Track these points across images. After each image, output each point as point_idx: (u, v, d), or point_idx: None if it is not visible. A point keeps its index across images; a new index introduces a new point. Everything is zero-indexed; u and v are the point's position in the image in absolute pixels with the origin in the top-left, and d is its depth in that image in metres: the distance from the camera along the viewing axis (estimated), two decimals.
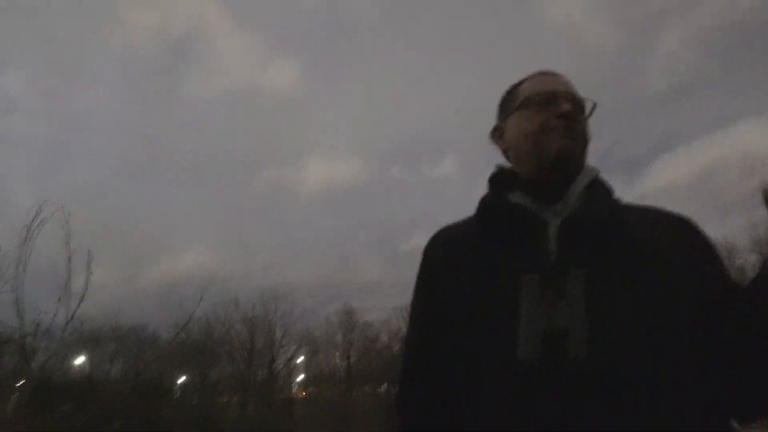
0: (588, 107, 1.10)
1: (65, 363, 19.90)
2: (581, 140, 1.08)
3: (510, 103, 1.17)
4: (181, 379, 26.99)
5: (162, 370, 24.29)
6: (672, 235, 0.98)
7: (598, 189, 1.05)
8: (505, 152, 1.18)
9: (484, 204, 1.07)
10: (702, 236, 0.99)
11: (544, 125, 1.06)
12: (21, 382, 11.51)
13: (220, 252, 50.04)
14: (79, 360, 22.37)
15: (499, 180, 1.12)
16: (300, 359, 31.98)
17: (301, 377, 33.01)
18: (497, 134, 1.20)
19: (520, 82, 1.18)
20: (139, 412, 15.88)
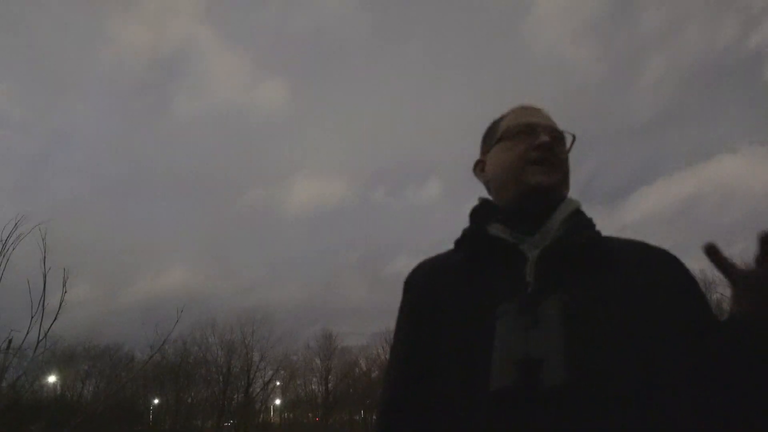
0: (568, 140, 1.12)
1: (36, 382, 19.44)
2: (560, 172, 1.08)
3: (491, 136, 1.19)
4: (155, 402, 26.43)
5: (136, 391, 23.80)
6: (654, 267, 0.97)
7: (579, 220, 1.06)
8: (488, 185, 1.19)
9: (465, 236, 1.08)
10: (685, 270, 0.99)
11: (523, 157, 1.06)
12: None
13: (202, 271, 49.57)
14: (51, 379, 21.86)
15: (479, 212, 1.13)
16: (277, 383, 31.52)
17: (278, 402, 32.50)
18: (479, 168, 1.21)
19: (502, 117, 1.20)
20: None
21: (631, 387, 0.83)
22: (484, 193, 1.20)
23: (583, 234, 1.01)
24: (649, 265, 0.97)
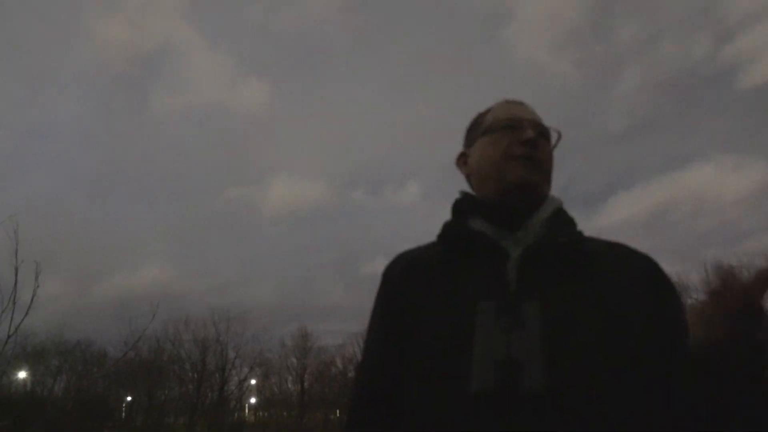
0: (553, 137, 1.11)
1: (4, 378, 19.07)
2: (543, 168, 1.06)
3: (476, 129, 1.17)
4: (128, 398, 26.11)
5: (108, 388, 23.47)
6: (634, 272, 0.97)
7: (561, 219, 1.05)
8: (469, 178, 1.17)
9: (446, 229, 1.07)
10: (664, 277, 0.99)
11: (507, 151, 1.05)
12: None
13: (177, 269, 49.01)
14: (21, 375, 21.47)
15: (461, 206, 1.10)
16: (252, 382, 31.29)
17: (252, 400, 32.30)
18: (462, 160, 1.19)
19: (487, 111, 1.18)
20: (83, 431, 15.33)
21: (607, 393, 0.83)
22: (463, 189, 1.18)
23: (566, 233, 1.00)
24: (629, 270, 0.97)
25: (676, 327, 0.93)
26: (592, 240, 1.03)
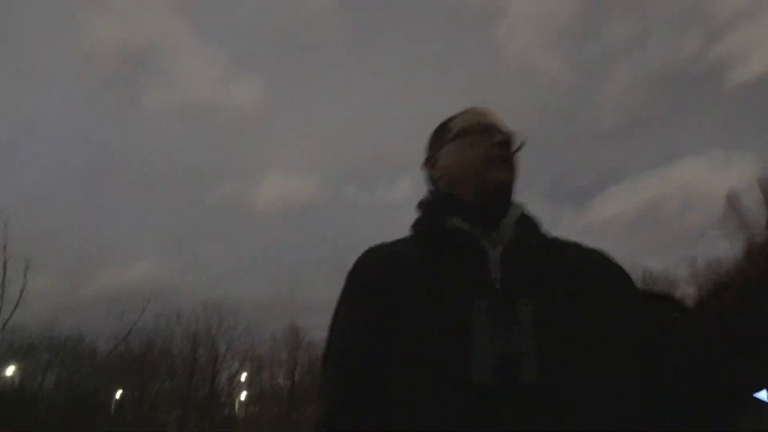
0: (518, 142, 1.15)
1: None
2: (515, 171, 1.12)
3: (443, 134, 1.20)
4: (119, 393, 26.01)
5: (98, 383, 23.35)
6: (596, 266, 1.05)
7: (530, 222, 1.10)
8: (436, 180, 1.21)
9: (425, 226, 1.10)
10: (618, 265, 1.07)
11: (485, 154, 1.10)
12: None
13: (169, 264, 48.71)
14: (10, 370, 21.33)
15: (436, 204, 1.14)
16: (243, 376, 31.26)
17: (243, 394, 32.30)
18: (430, 163, 1.23)
19: (452, 117, 1.23)
20: (73, 426, 15.28)
21: (598, 382, 0.88)
22: (432, 189, 1.21)
23: (537, 235, 1.07)
24: (592, 266, 1.05)
25: (637, 302, 1.02)
26: (555, 240, 1.09)
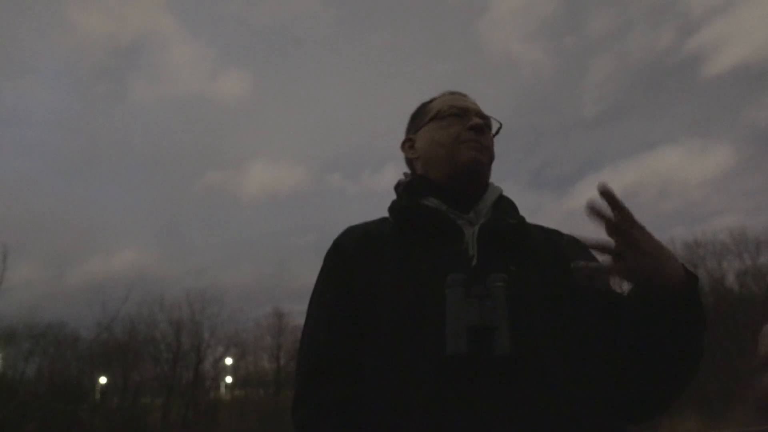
0: (495, 126, 1.19)
1: None
2: (489, 153, 1.15)
3: (421, 116, 1.23)
4: (102, 380, 25.87)
5: (81, 370, 23.21)
6: (557, 243, 1.09)
7: (506, 204, 1.14)
8: (413, 162, 1.24)
9: (402, 207, 1.11)
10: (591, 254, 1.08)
11: (457, 136, 1.12)
12: None
13: (154, 253, 48.23)
14: None
15: (413, 186, 1.16)
16: (228, 361, 31.30)
17: (228, 379, 32.32)
18: (408, 144, 1.26)
19: (431, 100, 1.25)
20: (56, 414, 15.19)
21: (565, 357, 0.91)
22: (407, 172, 1.24)
23: (513, 216, 1.09)
24: (557, 245, 1.08)
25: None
26: (525, 222, 1.13)
